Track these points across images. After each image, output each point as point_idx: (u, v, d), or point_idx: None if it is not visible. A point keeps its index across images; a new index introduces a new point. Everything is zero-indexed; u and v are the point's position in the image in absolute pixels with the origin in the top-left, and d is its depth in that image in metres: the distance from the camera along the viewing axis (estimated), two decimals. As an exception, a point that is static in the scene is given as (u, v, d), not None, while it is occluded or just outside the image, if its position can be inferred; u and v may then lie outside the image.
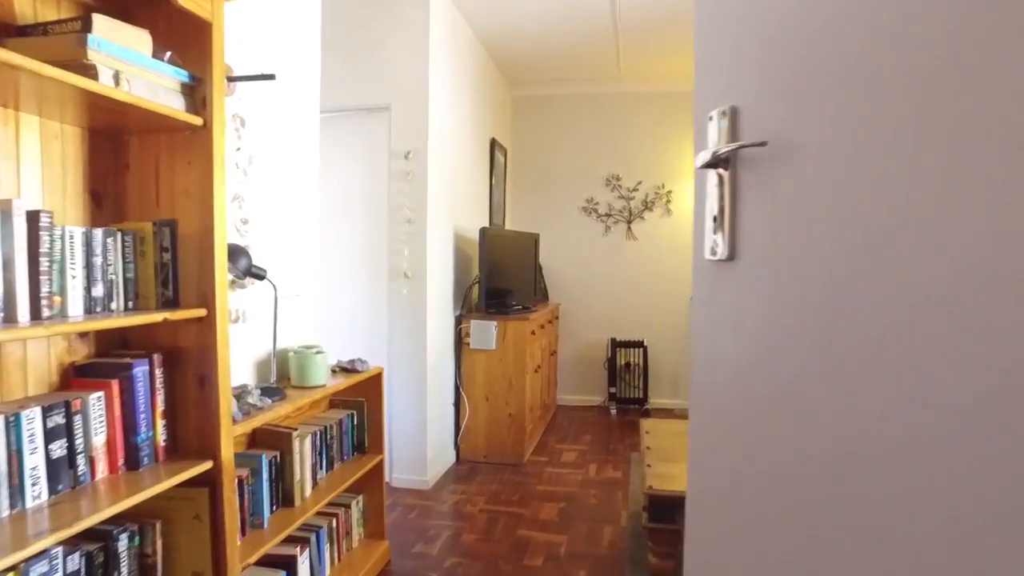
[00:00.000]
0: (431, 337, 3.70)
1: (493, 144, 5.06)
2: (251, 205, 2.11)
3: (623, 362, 5.71)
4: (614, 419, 5.44)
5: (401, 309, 3.64)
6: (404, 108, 3.59)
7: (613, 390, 5.71)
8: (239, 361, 2.03)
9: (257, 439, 2.11)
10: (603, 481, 3.84)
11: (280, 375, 2.33)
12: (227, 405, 1.52)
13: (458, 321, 4.19)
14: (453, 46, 3.98)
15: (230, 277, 1.92)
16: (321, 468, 2.35)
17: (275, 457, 2.03)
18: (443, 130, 3.82)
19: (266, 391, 1.96)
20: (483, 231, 3.99)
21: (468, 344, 4.12)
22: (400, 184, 3.60)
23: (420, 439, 3.65)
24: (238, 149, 2.00)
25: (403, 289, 3.63)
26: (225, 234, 1.50)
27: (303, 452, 2.15)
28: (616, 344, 5.70)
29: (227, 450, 1.52)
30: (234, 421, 1.67)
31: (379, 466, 2.71)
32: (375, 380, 2.66)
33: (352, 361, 2.54)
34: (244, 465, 1.89)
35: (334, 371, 2.52)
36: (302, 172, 2.49)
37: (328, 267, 3.71)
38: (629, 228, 5.84)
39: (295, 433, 2.08)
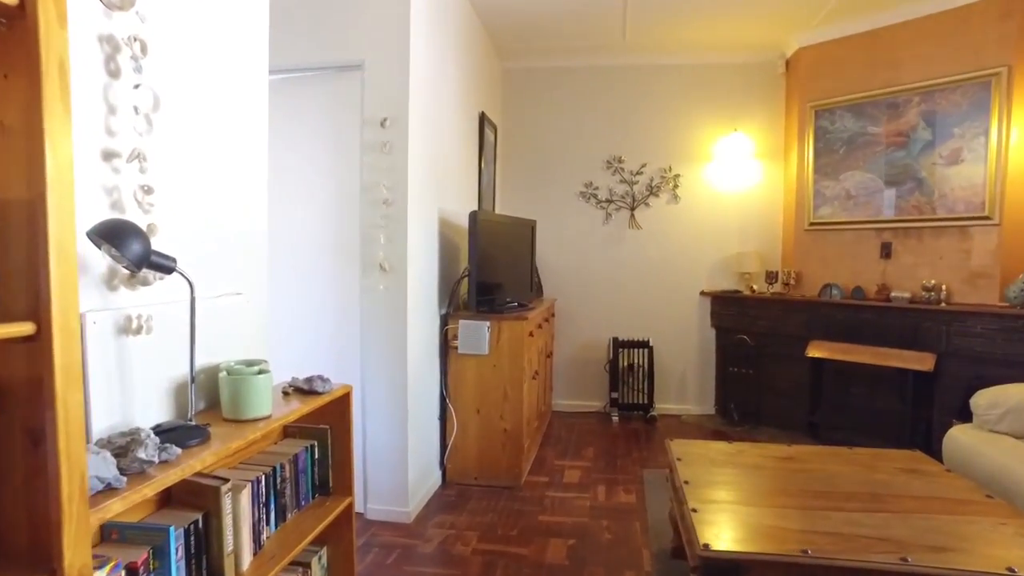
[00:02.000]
0: (413, 341, 3.11)
1: (483, 119, 4.47)
2: (159, 169, 1.50)
3: (626, 364, 5.16)
4: (617, 427, 4.89)
5: (377, 308, 3.04)
6: (380, 67, 2.98)
7: (615, 395, 5.17)
8: (138, 391, 1.43)
9: (173, 496, 1.52)
10: (615, 508, 3.28)
11: (209, 403, 1.73)
12: (77, 476, 0.93)
13: (444, 321, 3.60)
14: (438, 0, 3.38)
15: (122, 266, 1.32)
16: (268, 524, 1.76)
17: (194, 524, 1.44)
18: (427, 94, 3.22)
19: (175, 433, 1.37)
20: (474, 215, 3.41)
21: (456, 348, 3.53)
22: (375, 157, 3.00)
23: (400, 464, 3.06)
24: (136, 86, 1.39)
25: (379, 284, 3.03)
26: (72, 202, 0.91)
27: (238, 510, 1.56)
28: (618, 344, 5.15)
29: (78, 552, 0.92)
30: (110, 487, 1.08)
31: (348, 510, 2.12)
32: (341, 402, 2.07)
33: (310, 380, 1.94)
34: (142, 542, 1.30)
35: (286, 394, 1.92)
36: (243, 134, 1.89)
37: (282, 258, 3.10)
38: (632, 216, 5.29)
39: (225, 487, 1.49)
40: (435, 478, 3.50)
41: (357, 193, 3.04)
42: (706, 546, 1.76)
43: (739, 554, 1.73)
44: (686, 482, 2.27)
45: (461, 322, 3.50)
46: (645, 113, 5.22)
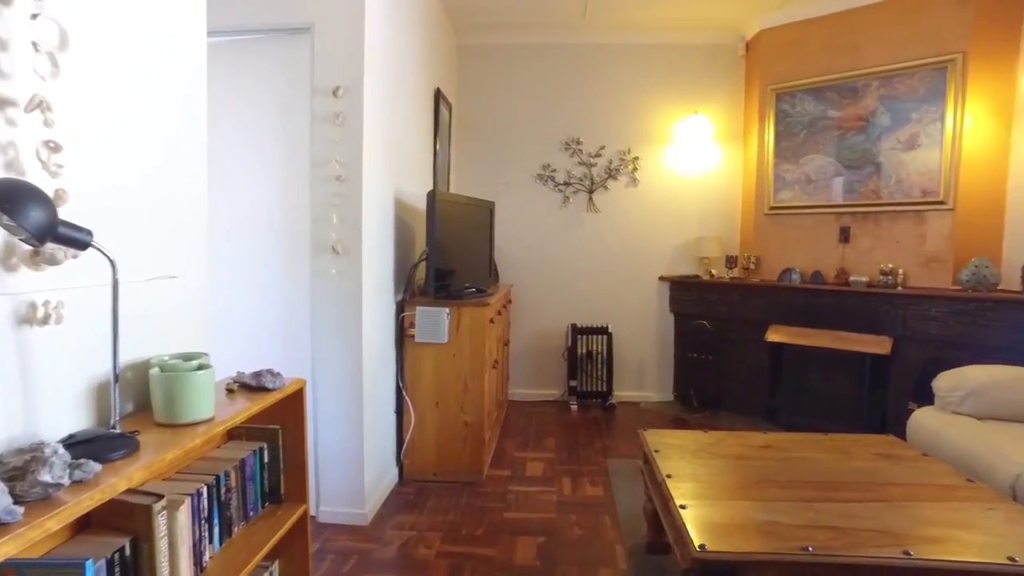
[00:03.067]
0: (368, 330, 2.88)
1: (438, 96, 4.23)
2: (69, 123, 1.24)
3: (584, 351, 5.05)
4: (576, 416, 4.78)
5: (329, 294, 2.79)
6: (331, 30, 2.71)
7: (574, 383, 5.05)
8: (45, 395, 1.18)
9: (94, 519, 1.27)
10: (583, 502, 3.15)
11: (138, 406, 1.48)
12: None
13: (400, 308, 3.37)
14: (393, -41, 3.12)
15: (20, 239, 1.06)
16: (211, 542, 1.52)
17: (119, 552, 1.20)
18: (381, 64, 2.97)
19: (94, 445, 1.13)
20: (433, 194, 3.18)
21: (413, 336, 3.32)
22: (327, 130, 2.74)
23: (355, 462, 2.84)
24: (34, 16, 1.13)
25: (331, 268, 2.78)
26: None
27: (175, 530, 1.32)
28: (577, 331, 5.03)
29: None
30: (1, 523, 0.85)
31: (303, 519, 1.90)
32: (294, 399, 1.84)
33: (258, 375, 1.71)
34: (54, 580, 1.06)
35: (231, 391, 1.68)
36: (178, 94, 1.62)
37: (224, 238, 2.81)
38: (591, 199, 5.16)
39: (158, 505, 1.25)
40: (392, 475, 3.29)
41: (307, 169, 2.77)
42: (702, 547, 1.63)
43: (738, 554, 1.61)
44: (669, 476, 2.14)
45: (419, 308, 3.29)
46: (604, 94, 5.08)
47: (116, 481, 1.05)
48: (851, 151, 4.21)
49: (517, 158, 5.16)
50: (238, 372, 1.77)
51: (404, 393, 3.34)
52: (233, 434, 1.81)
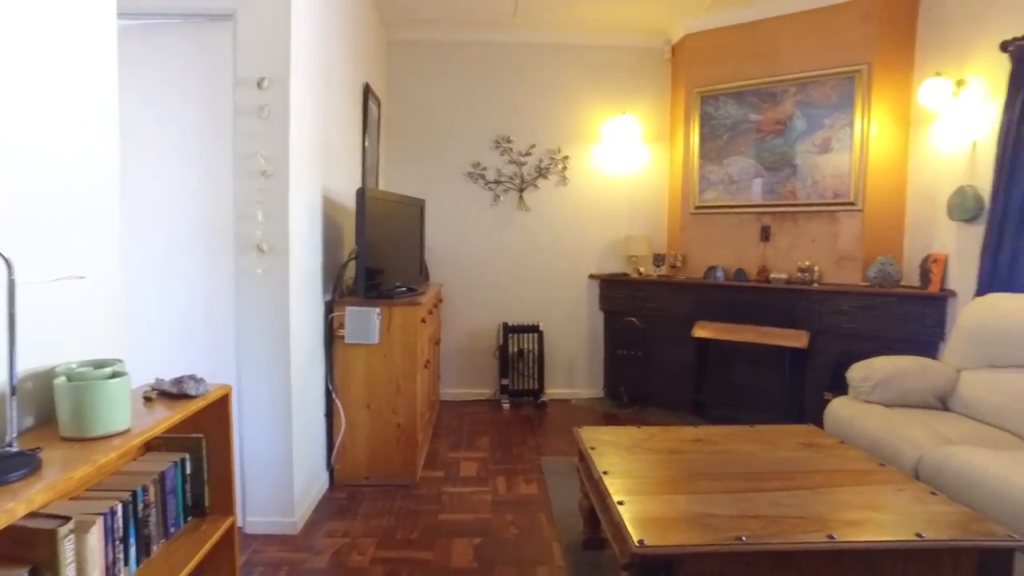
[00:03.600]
0: (296, 331, 2.77)
1: (367, 91, 4.12)
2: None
3: (516, 349, 5.05)
4: (508, 414, 4.78)
5: (255, 294, 2.67)
6: (254, 17, 2.59)
7: (505, 381, 5.05)
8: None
9: (-10, 542, 1.15)
10: (518, 501, 3.15)
11: (41, 419, 1.36)
12: None
13: (329, 308, 3.26)
14: (319, -53, 3.01)
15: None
16: (127, 563, 1.41)
17: (23, 580, 1.09)
18: (308, 55, 2.86)
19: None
20: (363, 192, 3.10)
21: (343, 338, 3.22)
22: (251, 123, 2.61)
23: (284, 469, 2.73)
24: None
25: (257, 268, 2.66)
26: None
27: (84, 554, 1.22)
28: (508, 329, 5.03)
29: None
30: None
31: (229, 533, 1.80)
32: (219, 406, 1.74)
33: (179, 381, 1.60)
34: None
35: (149, 399, 1.57)
36: (85, 78, 1.50)
37: (140, 236, 2.63)
38: (521, 197, 5.17)
39: (64, 528, 1.15)
40: (322, 481, 3.18)
41: (230, 163, 2.63)
42: (641, 542, 1.65)
43: (676, 547, 1.64)
44: (605, 472, 2.16)
45: (348, 309, 3.19)
46: (534, 92, 5.10)
47: (13, 506, 0.95)
48: (771, 153, 4.40)
49: (447, 156, 5.11)
50: (157, 379, 1.66)
51: (334, 396, 3.24)
52: (152, 445, 1.70)
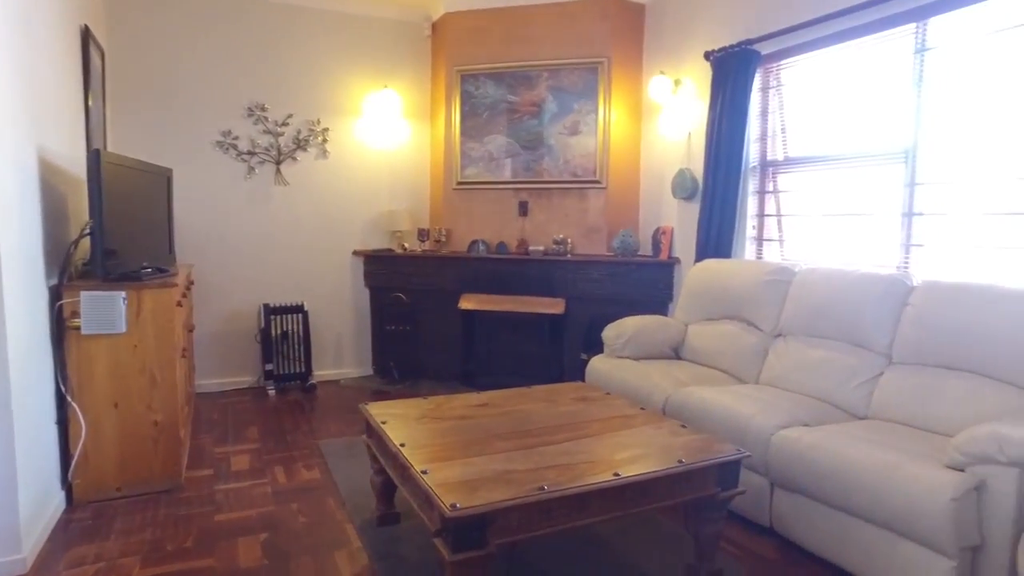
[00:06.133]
0: (12, 325, 2.25)
1: (86, 36, 3.45)
2: None
3: (279, 331, 4.76)
4: (276, 401, 4.50)
5: (-51, 281, 2.10)
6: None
7: (270, 366, 4.73)
8: None
9: None
10: (301, 488, 3.00)
11: None
12: None
13: (56, 295, 2.71)
14: None
15: None
16: None
17: None
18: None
19: None
20: (96, 156, 2.61)
21: (78, 328, 2.71)
22: (-70, 60, 2.02)
23: (5, 496, 2.22)
24: None
25: (-49, 247, 2.09)
26: None
27: None
28: (270, 311, 4.71)
29: None
30: None
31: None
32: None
33: None
34: None
35: None
36: None
37: None
38: (278, 170, 4.83)
39: None
40: (57, 502, 2.66)
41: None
42: (454, 505, 1.69)
43: (488, 505, 1.72)
44: (403, 444, 2.17)
45: (84, 294, 2.69)
46: (289, 58, 4.76)
47: None
48: (527, 133, 4.71)
49: (191, 122, 4.53)
50: None
51: (69, 398, 2.71)
52: None
